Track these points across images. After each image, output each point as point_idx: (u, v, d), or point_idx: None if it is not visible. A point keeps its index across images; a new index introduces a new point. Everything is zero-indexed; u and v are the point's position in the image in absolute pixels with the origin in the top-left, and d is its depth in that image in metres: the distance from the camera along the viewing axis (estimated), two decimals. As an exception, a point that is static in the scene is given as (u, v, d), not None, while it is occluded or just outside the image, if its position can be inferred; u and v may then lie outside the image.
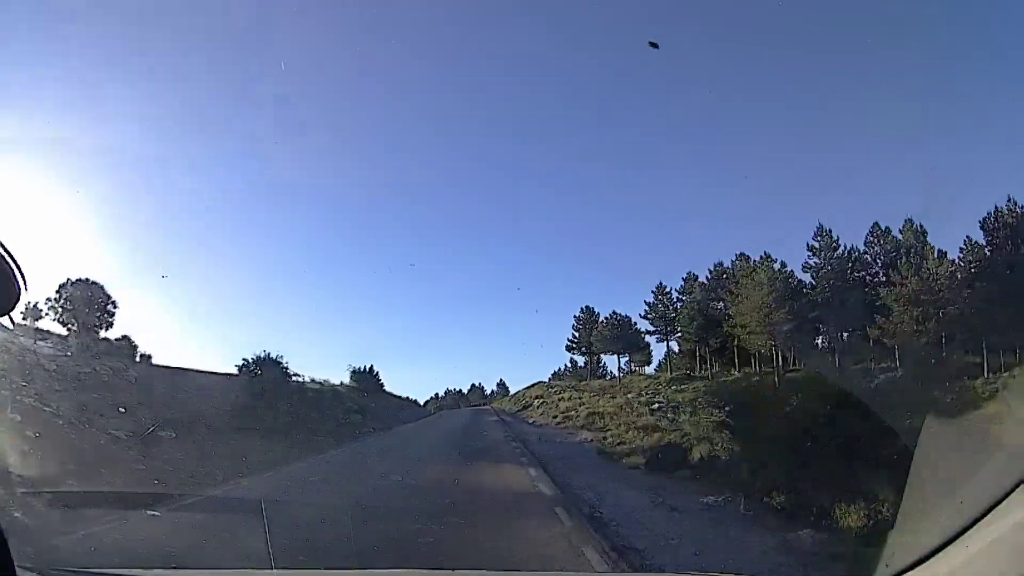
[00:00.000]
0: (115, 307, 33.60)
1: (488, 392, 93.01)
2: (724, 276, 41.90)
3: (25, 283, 1.42)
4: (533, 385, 59.23)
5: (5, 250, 1.37)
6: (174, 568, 4.33)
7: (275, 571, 4.19)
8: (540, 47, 40.80)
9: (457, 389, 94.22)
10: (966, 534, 1.48)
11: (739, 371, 39.93)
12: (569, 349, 59.28)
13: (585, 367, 71.26)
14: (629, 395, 37.79)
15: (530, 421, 31.24)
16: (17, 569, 1.41)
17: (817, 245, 37.05)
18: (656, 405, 29.71)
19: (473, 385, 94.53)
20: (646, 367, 61.75)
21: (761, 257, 39.26)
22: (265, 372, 20.72)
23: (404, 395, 60.07)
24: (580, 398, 34.79)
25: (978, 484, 1.70)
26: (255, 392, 19.51)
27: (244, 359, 21.22)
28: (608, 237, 60.38)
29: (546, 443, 16.64)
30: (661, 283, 45.02)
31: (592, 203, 57.09)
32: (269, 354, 21.13)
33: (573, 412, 28.52)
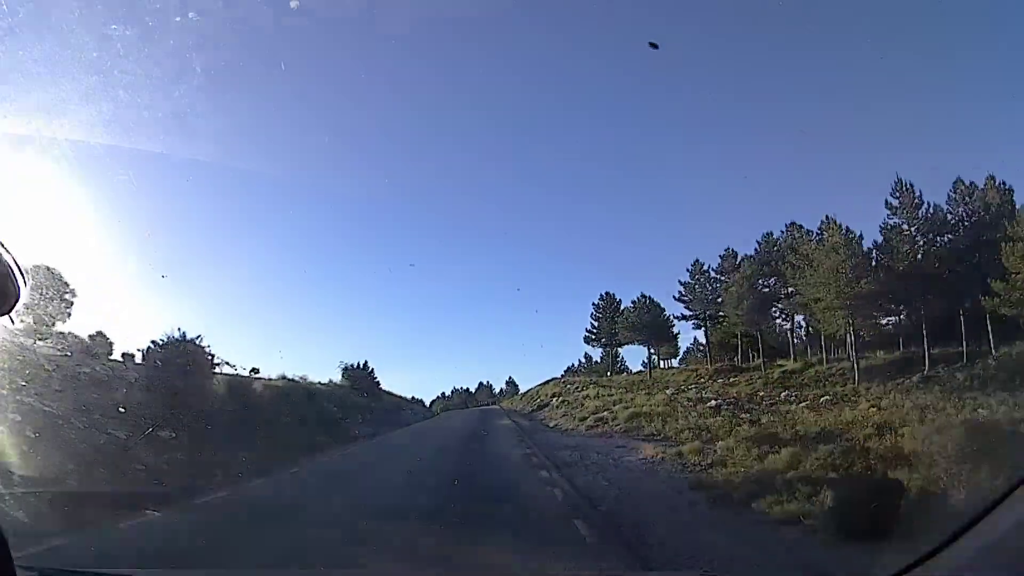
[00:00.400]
0: (74, 296, 29.20)
1: (497, 391, 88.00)
2: (776, 248, 35.23)
3: (25, 283, 1.42)
4: (547, 382, 52.71)
5: (5, 250, 1.35)
6: (174, 568, 4.28)
7: (275, 571, 4.04)
8: (539, 43, 39.29)
9: (465, 388, 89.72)
10: (966, 533, 1.44)
11: (794, 360, 33.21)
12: (587, 341, 52.90)
13: (602, 361, 65.23)
14: (668, 391, 31.21)
15: (551, 425, 24.80)
16: (17, 569, 1.34)
17: (896, 203, 30.32)
18: (714, 402, 23.16)
19: (481, 383, 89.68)
20: (672, 359, 56.05)
21: (823, 222, 32.60)
22: (175, 361, 14.47)
23: (410, 395, 57.78)
24: (610, 395, 28.28)
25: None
26: (157, 387, 13.26)
27: (152, 342, 15.08)
28: (611, 229, 57.10)
29: (595, 468, 10.13)
30: (697, 260, 38.33)
31: (596, 196, 54.20)
32: (184, 335, 14.92)
33: (607, 413, 22.04)
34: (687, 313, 38.12)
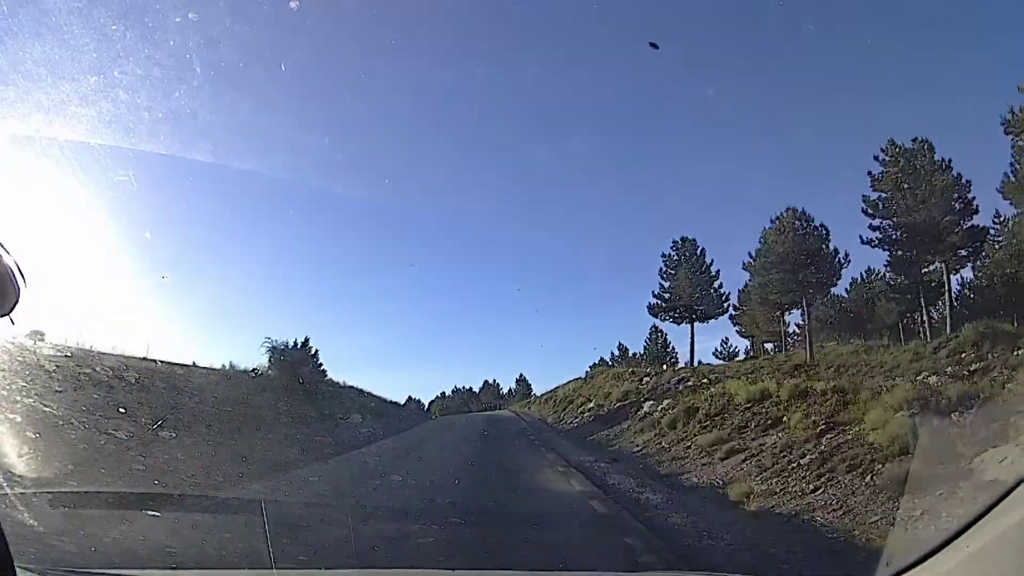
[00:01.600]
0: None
1: (505, 391, 71.40)
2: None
3: (25, 283, 1.40)
4: (588, 377, 34.53)
5: (5, 250, 1.36)
6: (174, 568, 4.29)
7: (275, 571, 4.04)
8: (540, 42, 39.35)
9: (467, 388, 73.91)
10: (966, 533, 1.39)
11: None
12: (654, 312, 35.06)
13: (647, 351, 47.66)
14: (916, 378, 13.58)
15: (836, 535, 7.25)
16: (17, 569, 1.33)
17: None
18: None
19: (486, 382, 73.21)
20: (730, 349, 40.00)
21: None
22: None
23: (406, 396, 49.45)
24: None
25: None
26: None
27: None
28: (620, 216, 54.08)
29: None
30: (892, 140, 20.50)
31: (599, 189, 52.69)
32: None
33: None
34: (884, 234, 20.05)
